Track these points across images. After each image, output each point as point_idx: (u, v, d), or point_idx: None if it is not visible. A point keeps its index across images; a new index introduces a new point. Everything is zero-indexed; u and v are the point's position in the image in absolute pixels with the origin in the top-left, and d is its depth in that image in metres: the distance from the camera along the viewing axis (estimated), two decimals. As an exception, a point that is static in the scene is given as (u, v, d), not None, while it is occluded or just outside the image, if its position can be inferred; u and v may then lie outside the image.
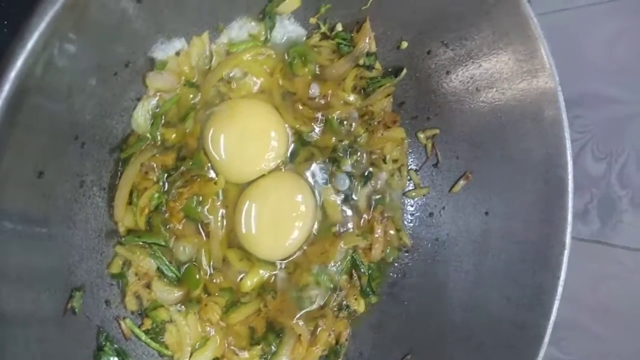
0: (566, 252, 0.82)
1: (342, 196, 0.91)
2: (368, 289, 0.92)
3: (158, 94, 0.76)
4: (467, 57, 0.85)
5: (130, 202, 0.77)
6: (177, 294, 0.81)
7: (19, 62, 0.49)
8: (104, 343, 0.73)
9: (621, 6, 1.14)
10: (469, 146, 0.91)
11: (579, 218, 1.16)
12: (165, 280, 0.80)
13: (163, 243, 0.79)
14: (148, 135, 0.77)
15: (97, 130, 0.71)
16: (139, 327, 0.79)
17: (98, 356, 0.72)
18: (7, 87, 0.48)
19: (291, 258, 0.88)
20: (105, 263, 0.77)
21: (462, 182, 0.92)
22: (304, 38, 0.86)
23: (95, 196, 0.74)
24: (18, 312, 0.61)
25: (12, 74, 0.49)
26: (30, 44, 0.49)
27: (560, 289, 0.82)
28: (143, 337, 0.78)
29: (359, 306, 0.92)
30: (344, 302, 0.92)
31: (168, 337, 0.81)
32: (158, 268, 0.80)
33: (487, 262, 0.89)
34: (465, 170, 0.92)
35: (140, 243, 0.78)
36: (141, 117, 0.75)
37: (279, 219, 0.86)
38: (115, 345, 0.74)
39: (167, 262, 0.80)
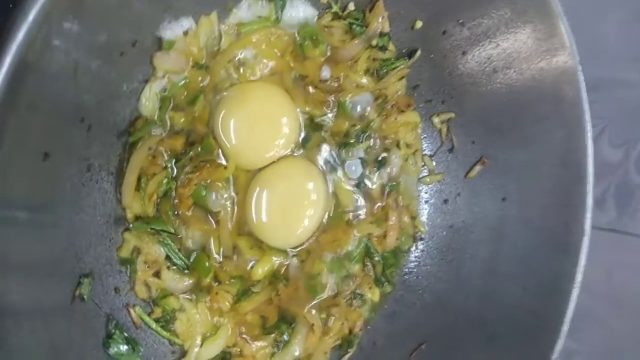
0: (586, 239, 0.80)
1: (355, 183, 0.89)
2: (382, 278, 0.90)
3: (166, 76, 0.74)
4: (484, 37, 0.82)
5: (138, 188, 0.75)
6: (187, 282, 0.79)
7: (20, 36, 0.47)
8: (113, 331, 0.71)
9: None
10: (485, 130, 0.88)
11: (595, 206, 1.13)
12: (174, 268, 0.79)
13: (172, 230, 0.77)
14: (156, 118, 0.75)
15: (104, 112, 0.69)
16: (149, 315, 0.77)
17: (107, 344, 0.71)
18: (8, 60, 0.47)
19: (303, 246, 0.86)
20: (114, 249, 0.75)
21: (478, 168, 0.90)
22: (316, 18, 0.83)
23: (103, 181, 0.72)
24: (25, 300, 0.60)
25: (14, 48, 0.47)
26: (31, 17, 0.47)
27: (579, 277, 0.80)
28: (153, 325, 0.76)
29: (374, 295, 0.90)
30: (358, 291, 0.90)
31: (178, 325, 0.79)
32: (167, 256, 0.78)
33: (503, 249, 0.87)
34: (481, 155, 0.89)
35: (149, 230, 0.76)
36: (149, 99, 0.73)
37: (291, 207, 0.84)
38: (125, 334, 0.73)
39: (176, 250, 0.78)
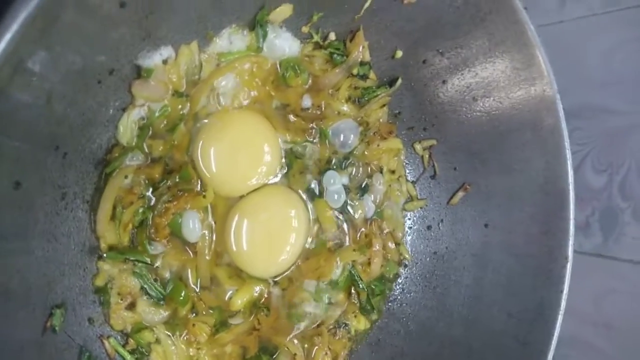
0: (569, 266, 0.80)
1: (339, 210, 0.88)
2: (368, 306, 0.89)
3: (145, 104, 0.74)
4: (464, 66, 0.83)
5: (113, 217, 0.74)
6: (163, 314, 0.77)
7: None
8: (85, 364, 0.69)
9: (618, 17, 1.13)
10: (466, 157, 0.89)
11: (580, 231, 1.14)
12: (150, 300, 0.77)
13: (147, 261, 0.75)
14: (134, 146, 0.74)
15: (80, 140, 0.68)
16: (124, 346, 0.75)
17: (80, 377, 0.69)
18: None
19: (284, 274, 0.85)
20: (89, 279, 0.74)
21: (460, 194, 0.90)
22: (298, 49, 0.84)
23: (78, 209, 0.71)
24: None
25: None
26: (1, 46, 0.46)
27: (563, 303, 0.80)
28: (128, 357, 0.74)
29: (359, 324, 0.89)
30: (342, 321, 0.89)
31: (154, 357, 0.77)
32: (142, 287, 0.76)
33: (487, 276, 0.86)
34: (463, 181, 0.90)
35: (124, 260, 0.74)
36: (127, 128, 0.73)
37: (272, 235, 0.83)
38: (99, 366, 0.71)
39: (151, 281, 0.76)
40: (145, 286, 0.76)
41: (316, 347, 0.86)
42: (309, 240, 0.86)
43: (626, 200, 1.18)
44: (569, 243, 0.80)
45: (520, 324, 0.81)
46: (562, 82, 0.80)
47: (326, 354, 0.86)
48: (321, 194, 0.87)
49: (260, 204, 0.82)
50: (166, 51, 0.73)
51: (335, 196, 0.87)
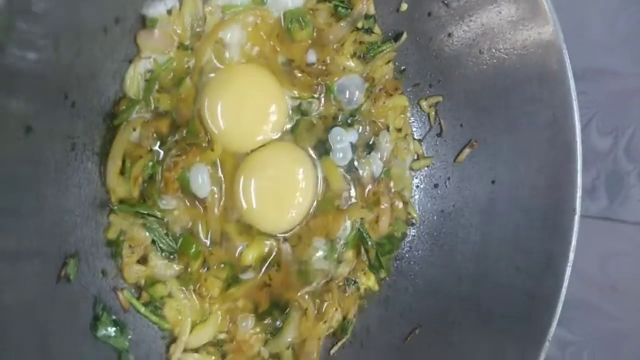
0: (576, 218, 0.79)
1: (346, 167, 0.88)
2: (376, 263, 0.89)
3: (151, 56, 0.74)
4: (469, 17, 0.83)
5: (123, 171, 0.74)
6: (175, 268, 0.78)
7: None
8: (101, 313, 0.70)
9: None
10: (473, 113, 0.89)
11: (586, 194, 1.14)
12: (162, 254, 0.77)
13: (158, 215, 0.76)
14: (141, 99, 0.74)
15: (88, 90, 0.68)
16: (138, 299, 0.76)
17: (95, 327, 0.70)
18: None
19: (293, 231, 0.86)
20: (101, 232, 0.74)
21: (467, 151, 0.90)
22: (301, 1, 0.83)
23: (87, 160, 0.71)
24: (9, 281, 0.59)
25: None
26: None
27: (571, 255, 0.79)
28: (142, 309, 0.75)
29: (368, 281, 0.89)
30: (352, 278, 0.89)
31: (168, 310, 0.78)
32: (153, 241, 0.77)
33: (494, 231, 0.86)
34: (470, 138, 0.89)
35: (134, 213, 0.75)
36: (133, 80, 0.72)
37: (280, 191, 0.83)
38: (113, 316, 0.72)
39: (162, 235, 0.77)
40: (157, 240, 0.76)
41: (326, 303, 0.86)
42: (318, 197, 0.86)
43: (632, 163, 1.18)
44: (576, 195, 0.79)
45: (529, 278, 0.81)
46: (566, 44, 0.80)
47: (336, 309, 0.87)
48: (327, 152, 0.87)
49: (268, 161, 0.83)
50: (170, 1, 0.72)
51: (341, 154, 0.87)
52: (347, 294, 0.89)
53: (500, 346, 0.80)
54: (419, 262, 0.92)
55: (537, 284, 0.80)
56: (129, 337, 0.73)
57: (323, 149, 0.87)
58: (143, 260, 0.76)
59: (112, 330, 0.70)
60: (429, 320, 0.87)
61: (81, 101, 0.66)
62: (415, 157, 0.94)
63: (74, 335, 0.68)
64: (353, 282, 0.89)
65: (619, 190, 1.20)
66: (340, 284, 0.88)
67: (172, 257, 0.78)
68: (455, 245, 0.90)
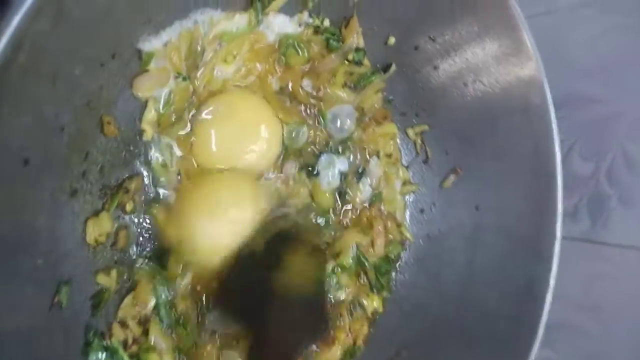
0: (557, 244, 0.82)
1: (336, 191, 0.91)
2: (377, 284, 0.91)
3: (150, 95, 0.75)
4: (454, 52, 0.86)
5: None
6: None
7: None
8: (92, 339, 0.71)
9: (602, 6, 1.16)
10: (458, 141, 0.91)
11: (569, 217, 1.17)
12: (161, 324, 0.77)
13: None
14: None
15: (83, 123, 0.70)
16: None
17: (86, 352, 0.71)
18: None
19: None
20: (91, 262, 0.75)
21: (452, 177, 0.92)
22: (296, 28, 0.85)
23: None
24: (6, 307, 0.60)
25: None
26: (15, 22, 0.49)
27: (552, 281, 0.82)
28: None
29: (374, 302, 0.91)
30: (357, 301, 0.91)
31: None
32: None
33: (479, 256, 0.89)
34: (455, 165, 0.92)
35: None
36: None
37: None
38: (104, 342, 0.72)
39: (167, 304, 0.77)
40: (160, 307, 0.77)
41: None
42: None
43: (613, 187, 1.20)
44: (557, 222, 0.82)
45: (512, 303, 0.83)
46: (547, 72, 0.82)
47: (347, 335, 0.89)
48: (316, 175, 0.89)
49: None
50: (166, 34, 0.74)
51: (329, 180, 0.89)
52: (353, 318, 0.90)
53: (485, 368, 0.82)
54: (405, 285, 0.94)
55: (519, 307, 0.82)
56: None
57: (312, 174, 0.89)
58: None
59: (102, 355, 0.71)
60: (414, 342, 0.88)
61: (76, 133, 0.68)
62: (403, 182, 0.97)
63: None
64: (359, 305, 0.91)
65: (600, 213, 1.22)
66: (348, 308, 0.90)
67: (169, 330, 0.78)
68: (441, 268, 0.92)
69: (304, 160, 0.88)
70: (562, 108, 0.82)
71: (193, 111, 0.80)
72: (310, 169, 0.89)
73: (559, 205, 0.83)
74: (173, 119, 0.77)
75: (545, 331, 0.80)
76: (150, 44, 0.73)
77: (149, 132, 0.76)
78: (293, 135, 0.87)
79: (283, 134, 0.87)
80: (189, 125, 0.80)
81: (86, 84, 0.67)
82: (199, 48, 0.77)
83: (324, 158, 0.89)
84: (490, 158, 0.88)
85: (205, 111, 0.81)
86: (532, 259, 0.83)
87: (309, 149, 0.89)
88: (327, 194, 0.89)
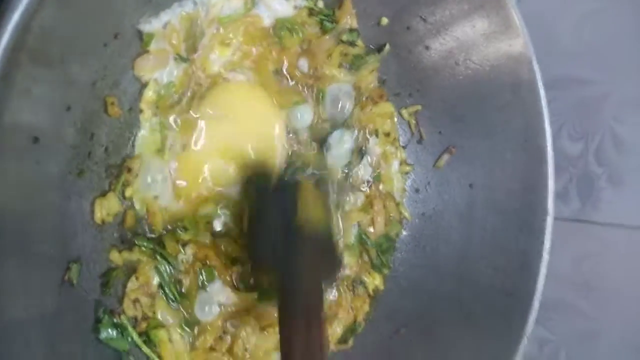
0: (549, 218, 0.84)
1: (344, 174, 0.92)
2: (378, 262, 0.93)
3: (152, 77, 0.76)
4: (445, 31, 0.88)
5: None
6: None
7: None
8: (102, 316, 0.72)
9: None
10: (450, 121, 0.93)
11: (559, 198, 1.18)
12: (167, 299, 0.77)
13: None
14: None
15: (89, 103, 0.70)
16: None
17: (97, 329, 0.71)
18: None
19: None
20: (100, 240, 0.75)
21: (445, 157, 0.94)
22: (291, 10, 0.86)
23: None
24: (20, 292, 0.61)
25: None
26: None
27: (546, 255, 0.84)
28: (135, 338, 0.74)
29: (375, 280, 0.93)
30: (358, 279, 0.92)
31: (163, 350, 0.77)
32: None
33: (473, 233, 0.91)
34: (448, 144, 0.94)
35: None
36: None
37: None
38: (114, 319, 0.73)
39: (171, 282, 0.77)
40: (164, 286, 0.77)
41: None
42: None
43: (601, 166, 1.22)
44: (548, 197, 0.84)
45: (506, 277, 0.85)
46: (536, 54, 0.85)
47: (348, 312, 0.90)
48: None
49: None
50: (166, 16, 0.75)
51: (339, 156, 0.90)
52: (355, 295, 0.91)
53: (481, 342, 0.84)
54: (402, 263, 0.96)
55: (514, 282, 0.84)
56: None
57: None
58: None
59: (113, 332, 0.71)
60: (413, 319, 0.90)
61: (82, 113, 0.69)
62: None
63: (79, 338, 0.69)
64: (361, 283, 0.92)
65: (590, 193, 1.23)
66: (349, 286, 0.91)
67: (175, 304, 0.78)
68: (437, 246, 0.94)
69: (314, 135, 0.89)
70: (551, 90, 0.84)
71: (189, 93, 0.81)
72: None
73: (550, 181, 0.85)
74: (173, 100, 0.78)
75: (539, 310, 0.82)
76: (151, 25, 0.74)
77: (146, 112, 0.76)
78: (298, 116, 0.87)
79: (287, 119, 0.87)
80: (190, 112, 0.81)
81: (91, 64, 0.68)
82: (197, 31, 0.77)
83: (335, 134, 0.90)
84: (483, 136, 0.90)
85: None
86: (525, 233, 0.85)
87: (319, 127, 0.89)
88: (338, 169, 0.90)
